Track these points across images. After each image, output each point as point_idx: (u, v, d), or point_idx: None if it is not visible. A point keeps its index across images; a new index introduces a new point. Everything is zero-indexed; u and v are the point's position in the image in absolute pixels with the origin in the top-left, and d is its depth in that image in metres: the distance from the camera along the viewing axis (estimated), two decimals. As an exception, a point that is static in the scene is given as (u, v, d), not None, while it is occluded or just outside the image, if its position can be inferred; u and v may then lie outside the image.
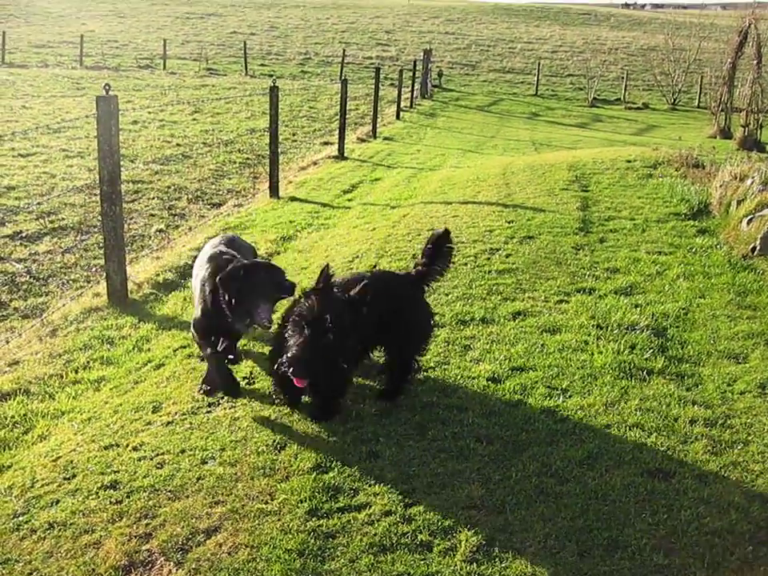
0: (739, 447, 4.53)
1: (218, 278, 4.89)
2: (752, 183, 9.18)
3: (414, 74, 31.54)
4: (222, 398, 5.23)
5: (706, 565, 3.55)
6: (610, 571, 3.53)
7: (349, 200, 12.56)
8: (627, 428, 4.69)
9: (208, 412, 5.11)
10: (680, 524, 3.82)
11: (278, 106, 12.71)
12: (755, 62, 22.60)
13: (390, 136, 21.83)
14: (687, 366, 5.55)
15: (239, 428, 4.82)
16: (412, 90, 31.19)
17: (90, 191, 11.88)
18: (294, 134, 20.77)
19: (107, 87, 6.99)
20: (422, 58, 34.89)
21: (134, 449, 4.65)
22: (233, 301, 4.85)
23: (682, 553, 3.63)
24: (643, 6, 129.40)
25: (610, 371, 5.39)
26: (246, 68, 38.69)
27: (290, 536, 3.79)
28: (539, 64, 41.87)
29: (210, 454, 4.54)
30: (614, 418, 4.80)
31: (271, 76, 32.36)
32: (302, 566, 3.60)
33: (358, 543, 3.73)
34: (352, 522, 3.89)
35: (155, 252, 9.81)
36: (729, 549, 3.65)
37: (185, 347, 6.43)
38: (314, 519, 3.91)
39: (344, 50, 42.66)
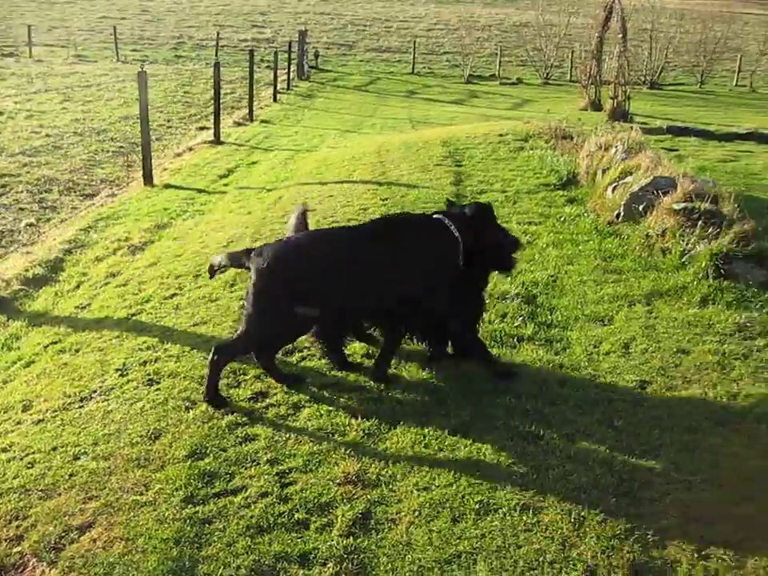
0: (605, 405, 4.71)
1: None
2: (615, 152, 9.50)
3: (290, 55, 31.27)
4: (95, 391, 5.13)
5: (572, 520, 3.69)
6: (481, 534, 3.63)
7: (225, 185, 12.40)
8: (499, 394, 4.81)
9: (80, 407, 5.00)
10: (548, 482, 3.96)
11: (147, 91, 12.41)
12: (620, 36, 23.22)
13: (268, 119, 21.62)
14: (556, 330, 5.73)
15: (112, 421, 4.73)
16: (288, 72, 30.93)
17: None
18: (169, 120, 20.31)
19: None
20: (297, 39, 34.62)
21: (3, 450, 4.53)
22: None
23: (549, 510, 3.76)
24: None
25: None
26: (118, 54, 37.52)
27: (166, 525, 3.76)
28: (415, 42, 42.07)
29: (82, 450, 4.45)
30: (487, 386, 4.91)
31: (144, 61, 31.60)
32: (179, 553, 3.58)
33: (235, 527, 3.73)
34: (228, 506, 3.89)
35: (25, 247, 9.48)
36: (594, 503, 3.80)
37: (56, 343, 6.26)
38: (189, 507, 3.89)
39: (218, 33, 41.88)
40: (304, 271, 4.60)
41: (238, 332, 4.86)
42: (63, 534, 3.76)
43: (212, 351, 4.79)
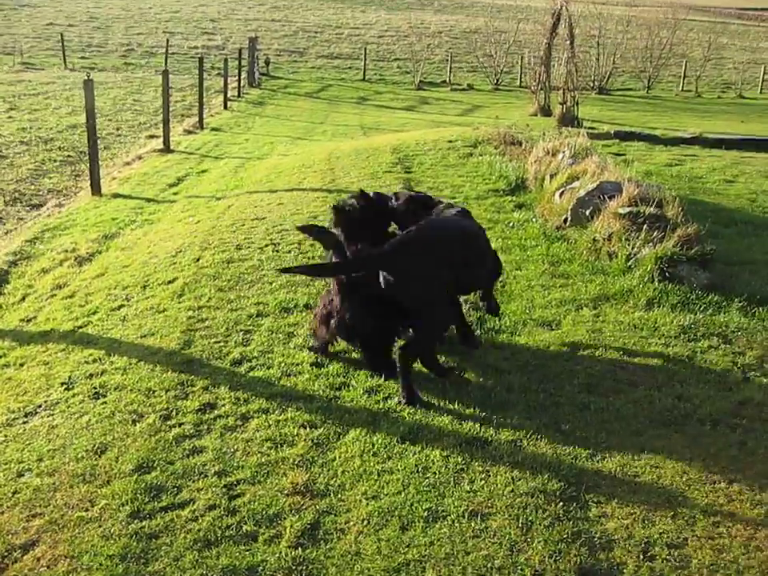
0: (552, 409, 4.75)
1: None
2: (563, 158, 9.61)
3: (240, 62, 31.14)
4: (40, 406, 5.06)
5: (520, 525, 3.71)
6: (430, 542, 3.63)
7: (174, 194, 12.29)
8: (447, 402, 4.82)
9: (25, 422, 4.93)
10: (496, 488, 3.97)
11: (93, 100, 12.27)
12: (568, 42, 23.51)
13: (218, 126, 21.49)
14: (504, 336, 5.77)
15: (58, 436, 4.67)
16: (239, 79, 30.78)
17: None
18: (118, 129, 20.09)
19: None
20: (248, 46, 34.48)
21: (-56, 467, 4.43)
22: None
23: (497, 516, 3.78)
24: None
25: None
26: (65, 61, 37.03)
27: (112, 541, 3.72)
28: (366, 49, 42.14)
29: (26, 466, 4.39)
30: (435, 393, 4.93)
31: (93, 69, 31.23)
32: (125, 570, 3.54)
33: (182, 541, 3.70)
34: (175, 519, 3.85)
35: (-32, 259, 9.31)
36: (541, 507, 3.82)
37: (0, 357, 6.15)
38: (136, 522, 3.84)
39: (168, 40, 41.53)
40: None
41: (418, 328, 4.94)
42: (6, 554, 3.70)
43: (399, 354, 4.84)
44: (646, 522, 3.73)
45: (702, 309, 6.10)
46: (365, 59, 40.83)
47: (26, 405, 5.13)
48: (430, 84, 39.01)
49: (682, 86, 41.64)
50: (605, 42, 39.12)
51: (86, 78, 12.31)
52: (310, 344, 5.55)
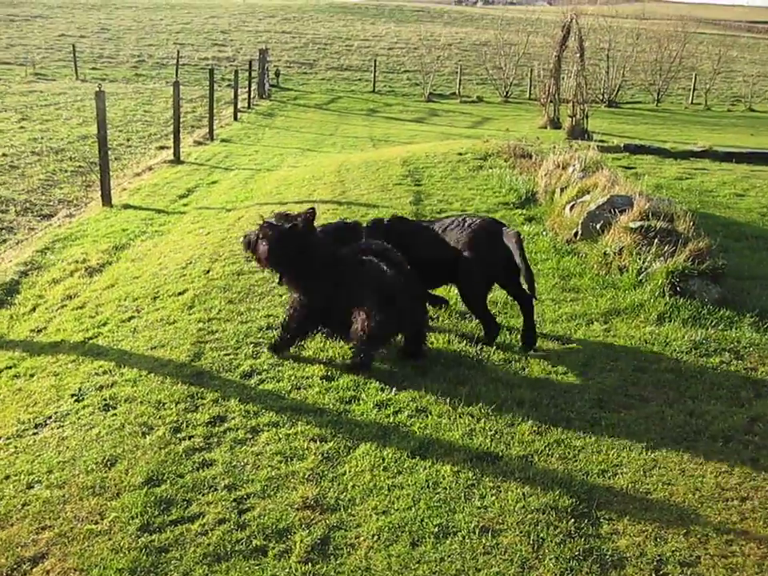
0: (563, 425, 4.73)
1: None
2: (573, 171, 9.60)
3: (251, 74, 31.25)
4: (50, 417, 5.06)
5: (531, 542, 3.69)
6: (440, 558, 3.61)
7: (184, 205, 12.31)
8: (458, 416, 4.81)
9: (35, 434, 4.93)
10: (507, 504, 3.96)
11: (105, 111, 12.32)
12: (578, 55, 23.55)
13: (228, 138, 21.55)
14: (514, 350, 5.74)
15: (67, 447, 4.67)
16: (249, 91, 30.89)
17: None
18: (128, 140, 20.15)
19: None
20: (258, 57, 34.61)
21: (-46, 479, 4.43)
22: None
23: (508, 533, 3.76)
24: (475, 2, 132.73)
25: (442, 361, 5.51)
26: (77, 72, 37.23)
27: (122, 555, 3.71)
28: (375, 61, 42.27)
29: (36, 478, 4.39)
30: (445, 407, 4.91)
31: (104, 80, 31.40)
32: (134, 583, 3.52)
33: (192, 555, 3.69)
34: (185, 533, 3.84)
35: (-21, 269, 9.35)
36: (552, 524, 3.81)
37: (10, 368, 6.17)
38: (146, 535, 3.83)
39: (178, 52, 41.74)
40: None
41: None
42: (15, 566, 3.70)
43: None
44: (659, 539, 3.71)
45: (713, 324, 6.08)
46: (374, 71, 40.93)
47: (36, 416, 5.13)
48: (439, 96, 39.07)
49: (692, 99, 41.63)
50: (614, 54, 39.16)
51: (97, 89, 12.36)
52: None
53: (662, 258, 6.80)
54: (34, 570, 3.67)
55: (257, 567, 3.60)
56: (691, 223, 7.33)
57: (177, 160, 17.02)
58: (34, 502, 4.15)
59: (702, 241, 6.97)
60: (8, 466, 4.54)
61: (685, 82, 43.77)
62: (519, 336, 5.82)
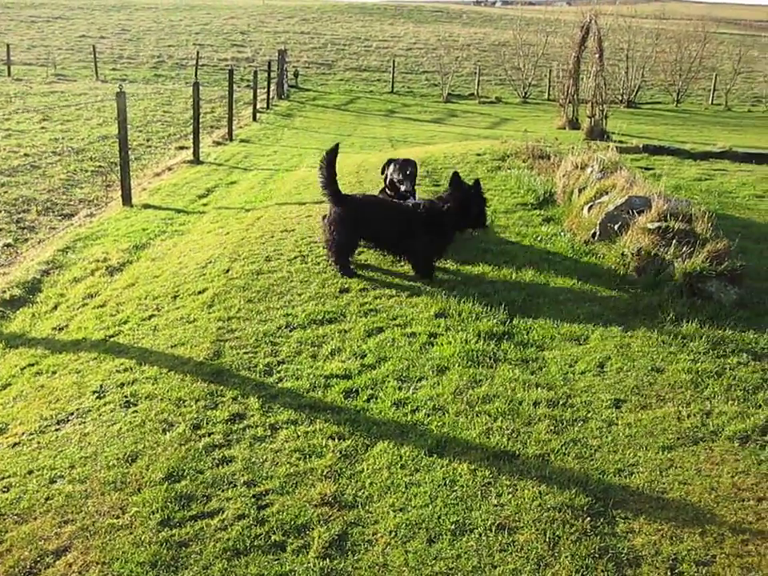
0: (579, 424, 4.75)
1: None
2: (591, 172, 9.58)
3: (270, 74, 31.38)
4: (72, 414, 5.13)
5: (547, 539, 3.72)
6: (457, 554, 3.65)
7: (204, 205, 12.39)
8: (475, 415, 4.84)
9: (57, 430, 5.00)
10: (523, 503, 3.98)
11: (125, 111, 12.43)
12: (597, 55, 23.47)
13: (247, 138, 21.65)
14: (532, 350, 5.76)
15: (89, 443, 4.73)
16: (268, 91, 31.03)
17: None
18: (148, 140, 20.30)
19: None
20: (277, 58, 34.74)
21: (-22, 475, 4.50)
22: None
23: (525, 530, 3.79)
24: (493, 3, 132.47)
25: (459, 360, 5.54)
26: (97, 73, 37.54)
27: (143, 549, 3.77)
28: (394, 62, 42.37)
29: (58, 473, 4.45)
30: (462, 406, 4.94)
31: (124, 80, 31.61)
32: (155, 577, 3.57)
33: (212, 549, 3.74)
34: (205, 528, 3.89)
35: (2, 268, 9.46)
36: (568, 522, 3.83)
37: (32, 365, 6.26)
38: (166, 529, 3.89)
39: (198, 52, 41.99)
40: None
41: None
42: (38, 559, 3.76)
43: None
44: (674, 538, 3.72)
45: (731, 325, 6.07)
46: (393, 72, 41.01)
47: (58, 412, 5.20)
48: (458, 97, 39.09)
49: (712, 100, 41.44)
50: (634, 55, 39.05)
51: (118, 89, 12.47)
52: None
53: (679, 259, 6.80)
54: (57, 562, 3.73)
55: (275, 562, 3.64)
56: (709, 224, 7.31)
57: (196, 160, 17.13)
58: (57, 496, 4.22)
59: (721, 242, 6.95)
60: (31, 461, 4.61)
61: (705, 83, 43.56)
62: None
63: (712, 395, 5.08)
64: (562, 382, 5.27)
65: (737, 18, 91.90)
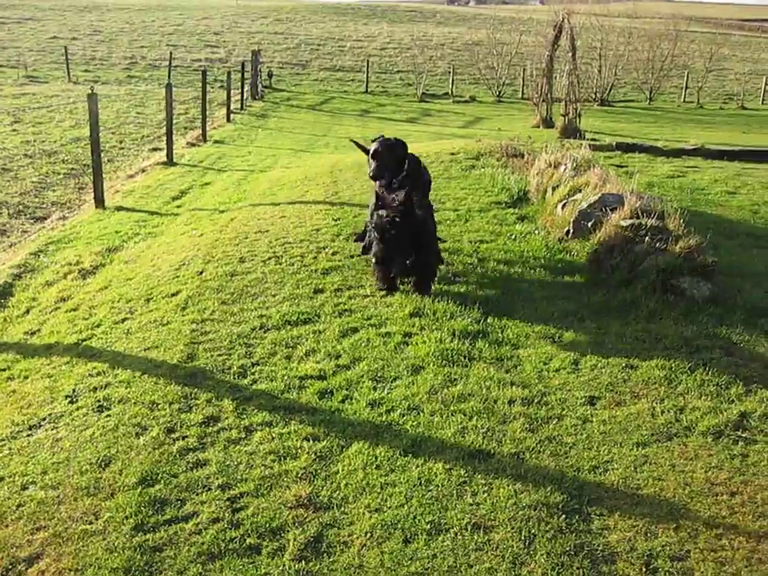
0: (554, 422, 4.76)
1: None
2: (565, 170, 9.62)
3: (244, 75, 31.22)
4: (44, 419, 5.09)
5: (523, 538, 3.73)
6: (433, 554, 3.65)
7: (178, 206, 12.30)
8: (450, 414, 4.84)
9: (29, 435, 4.96)
10: (499, 501, 3.99)
11: (98, 113, 12.32)
12: (570, 54, 23.57)
13: (221, 139, 21.54)
14: (506, 349, 5.77)
15: (62, 448, 4.69)
16: (242, 92, 30.87)
17: None
18: (121, 142, 20.13)
19: None
20: (251, 58, 34.59)
21: (-51, 480, 4.45)
22: None
23: (500, 529, 3.79)
24: (467, 2, 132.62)
25: (434, 360, 5.54)
26: (69, 74, 37.14)
27: (116, 554, 3.74)
28: (368, 61, 42.26)
29: (30, 479, 4.42)
30: (437, 405, 4.94)
31: (96, 82, 31.36)
32: (129, 583, 3.54)
33: (186, 554, 3.72)
34: (179, 532, 3.87)
35: (-27, 272, 9.35)
36: (544, 520, 3.84)
37: (4, 370, 6.21)
38: (140, 534, 3.87)
39: (171, 53, 41.62)
40: None
41: None
42: (10, 567, 3.72)
43: None
44: (649, 534, 3.74)
45: (703, 321, 6.11)
46: (367, 71, 40.93)
47: (30, 418, 5.15)
48: (432, 96, 39.06)
49: (684, 98, 41.74)
50: (607, 53, 39.19)
51: (89, 91, 12.36)
52: None
53: (652, 256, 6.84)
54: (29, 570, 3.70)
55: (251, 565, 3.63)
56: (682, 221, 7.36)
57: (170, 162, 17.00)
58: (29, 502, 4.18)
59: (693, 238, 7.00)
60: (2, 468, 4.57)
61: (677, 81, 43.84)
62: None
63: (685, 391, 5.11)
64: (536, 380, 5.28)
65: (708, 17, 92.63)
